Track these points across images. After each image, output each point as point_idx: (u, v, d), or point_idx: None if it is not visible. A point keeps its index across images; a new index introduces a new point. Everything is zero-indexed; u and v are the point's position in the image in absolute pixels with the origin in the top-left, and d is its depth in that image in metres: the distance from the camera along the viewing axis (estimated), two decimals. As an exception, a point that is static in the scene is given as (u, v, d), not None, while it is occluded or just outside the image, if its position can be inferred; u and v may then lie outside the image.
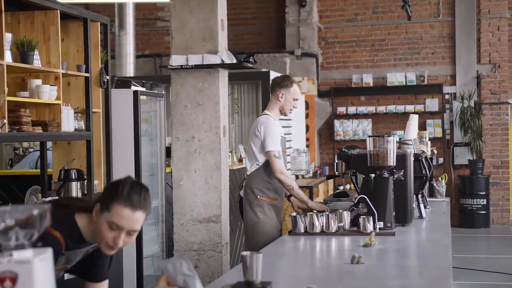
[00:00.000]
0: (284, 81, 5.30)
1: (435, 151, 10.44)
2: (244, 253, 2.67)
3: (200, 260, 5.57)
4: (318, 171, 11.35)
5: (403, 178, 4.50)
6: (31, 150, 8.68)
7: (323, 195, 9.93)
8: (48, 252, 1.83)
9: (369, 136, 4.46)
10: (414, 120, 5.56)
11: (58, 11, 5.30)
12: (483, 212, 12.09)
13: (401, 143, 5.19)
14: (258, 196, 5.17)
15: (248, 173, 5.28)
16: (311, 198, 8.89)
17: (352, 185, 12.13)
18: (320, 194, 9.67)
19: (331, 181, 11.48)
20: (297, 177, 10.27)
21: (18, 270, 1.75)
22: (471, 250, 10.34)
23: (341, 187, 11.91)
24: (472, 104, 12.19)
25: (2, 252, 1.80)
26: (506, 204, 12.46)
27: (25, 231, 1.81)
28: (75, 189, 5.56)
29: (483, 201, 12.06)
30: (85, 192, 5.70)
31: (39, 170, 5.94)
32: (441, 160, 12.40)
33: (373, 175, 4.39)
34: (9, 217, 1.81)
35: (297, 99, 5.32)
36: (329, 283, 2.92)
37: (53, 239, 2.54)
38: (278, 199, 5.24)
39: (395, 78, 12.59)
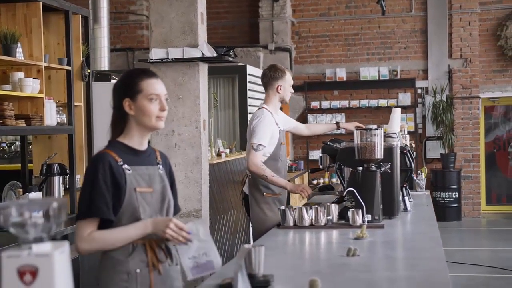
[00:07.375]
0: (278, 73, 5.34)
1: (413, 144, 10.53)
2: (247, 246, 2.67)
3: (181, 254, 5.54)
4: (294, 165, 11.39)
5: (390, 171, 4.52)
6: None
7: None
8: (66, 246, 1.81)
9: (356, 129, 4.47)
10: (397, 114, 5.60)
11: (41, 3, 5.22)
12: (455, 205, 12.25)
13: (386, 136, 5.22)
14: (265, 193, 5.13)
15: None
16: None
17: (328, 179, 12.17)
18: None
19: (306, 175, 11.53)
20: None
21: (38, 264, 1.73)
22: (444, 242, 10.39)
23: (321, 180, 11.99)
24: (444, 99, 12.32)
25: (21, 246, 1.78)
26: (477, 197, 12.62)
27: (44, 224, 1.79)
28: (57, 184, 5.48)
29: (455, 195, 12.21)
30: (67, 187, 5.63)
31: (19, 165, 5.86)
32: (414, 153, 12.49)
33: (360, 168, 4.40)
34: (27, 210, 1.79)
35: (292, 84, 5.47)
36: (329, 275, 2.92)
37: (100, 153, 2.80)
38: (282, 193, 5.21)
39: (368, 72, 12.66)
